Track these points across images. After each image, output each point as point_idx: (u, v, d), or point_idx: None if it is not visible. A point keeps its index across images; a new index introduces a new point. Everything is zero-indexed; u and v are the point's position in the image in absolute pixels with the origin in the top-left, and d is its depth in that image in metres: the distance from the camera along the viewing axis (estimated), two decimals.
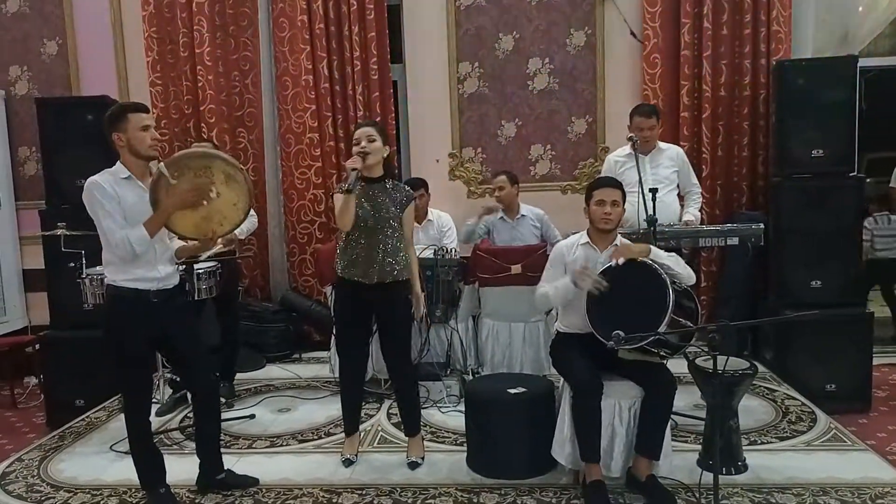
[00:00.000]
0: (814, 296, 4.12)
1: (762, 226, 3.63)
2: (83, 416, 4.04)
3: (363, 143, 2.99)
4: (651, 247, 2.89)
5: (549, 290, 2.99)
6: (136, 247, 2.66)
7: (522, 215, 4.54)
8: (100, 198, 2.66)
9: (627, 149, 3.97)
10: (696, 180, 4.12)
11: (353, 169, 2.91)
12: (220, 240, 3.00)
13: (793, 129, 4.20)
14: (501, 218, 4.54)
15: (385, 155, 3.08)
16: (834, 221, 4.11)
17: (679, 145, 4.81)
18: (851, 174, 4.22)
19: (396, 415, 3.57)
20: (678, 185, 4.02)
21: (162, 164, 2.73)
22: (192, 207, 2.74)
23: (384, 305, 3.12)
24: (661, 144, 3.98)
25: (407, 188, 3.21)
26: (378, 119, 5.03)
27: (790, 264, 4.20)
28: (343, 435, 3.38)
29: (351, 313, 3.19)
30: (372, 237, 3.04)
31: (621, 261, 2.79)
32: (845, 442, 3.36)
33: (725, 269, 4.88)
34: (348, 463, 3.27)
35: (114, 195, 2.68)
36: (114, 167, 2.77)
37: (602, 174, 4.03)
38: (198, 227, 2.79)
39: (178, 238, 2.96)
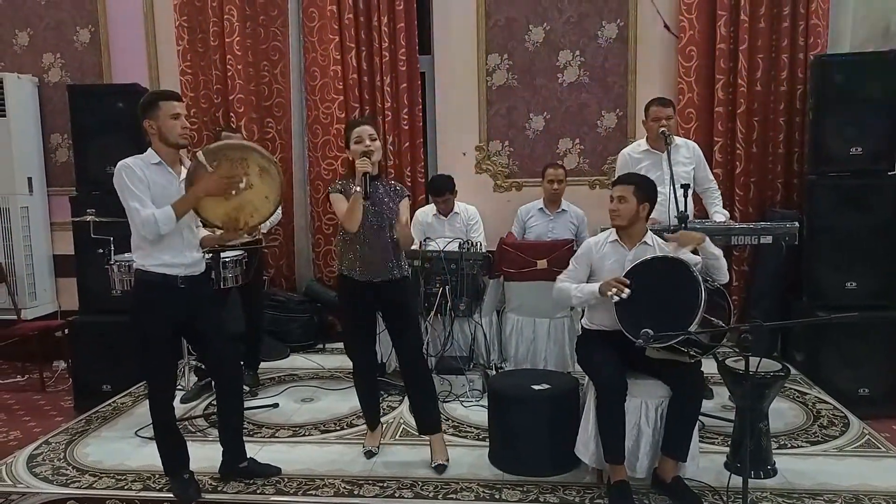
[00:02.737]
0: (848, 297, 4.02)
1: (797, 224, 3.53)
2: (110, 401, 4.09)
3: (367, 142, 2.98)
4: (706, 236, 2.85)
5: (572, 290, 2.95)
6: (162, 226, 2.67)
7: (563, 210, 4.50)
8: (128, 179, 2.69)
9: (643, 144, 3.89)
10: (712, 176, 4.01)
11: (365, 172, 2.90)
12: (246, 231, 3.01)
13: (830, 126, 4.09)
14: (541, 209, 4.50)
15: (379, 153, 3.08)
16: (871, 221, 4.01)
17: (713, 141, 4.76)
18: (890, 172, 4.09)
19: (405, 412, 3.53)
20: (693, 181, 3.87)
21: (201, 152, 2.79)
22: (222, 195, 2.79)
23: (389, 303, 3.11)
24: (678, 140, 3.87)
25: (399, 186, 3.20)
26: (405, 111, 5.01)
27: (824, 264, 4.10)
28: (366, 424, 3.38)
29: (356, 311, 3.16)
30: (372, 236, 3.02)
31: (688, 249, 2.79)
32: (879, 448, 3.27)
33: (757, 268, 4.77)
34: (370, 455, 3.26)
35: (143, 178, 2.70)
36: (145, 153, 2.80)
37: (617, 170, 3.98)
38: (228, 215, 2.85)
39: (206, 226, 2.98)
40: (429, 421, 3.18)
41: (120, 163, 2.73)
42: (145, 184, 2.70)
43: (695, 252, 2.89)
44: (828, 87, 4.10)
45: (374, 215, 3.01)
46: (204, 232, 3.02)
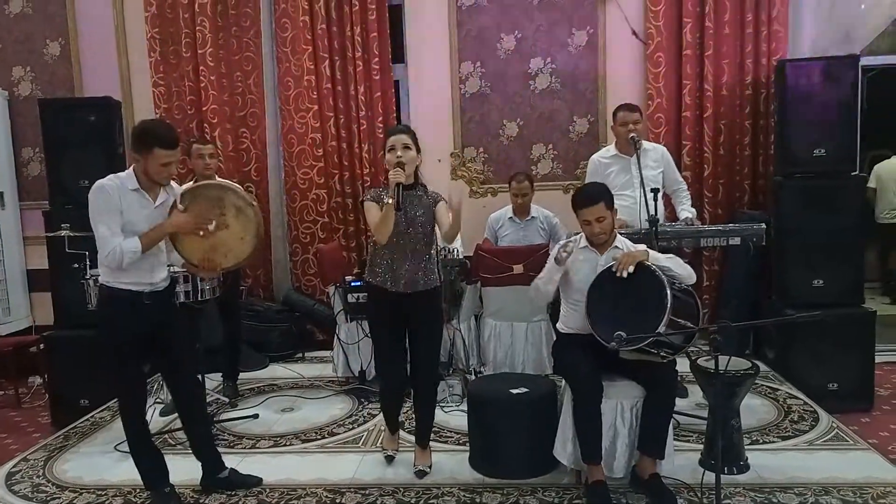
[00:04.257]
0: (815, 295, 4.12)
1: (764, 225, 3.63)
2: (88, 416, 4.07)
3: (399, 152, 2.92)
4: (648, 251, 2.89)
5: (539, 282, 3.03)
6: (126, 257, 2.69)
7: (532, 217, 4.55)
8: (102, 204, 2.69)
9: (612, 149, 3.96)
10: (680, 178, 4.10)
11: (398, 183, 2.82)
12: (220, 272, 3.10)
13: (794, 128, 4.19)
14: (511, 218, 4.55)
15: (417, 163, 3.02)
16: (836, 220, 4.10)
17: (682, 144, 4.86)
18: (853, 173, 4.22)
19: (403, 414, 3.56)
20: (663, 185, 3.94)
21: (179, 192, 2.89)
22: (191, 234, 2.85)
23: (415, 313, 3.09)
24: (646, 144, 3.96)
25: (435, 192, 3.11)
26: (380, 119, 5.05)
27: (792, 263, 4.20)
28: (353, 431, 3.51)
29: (388, 321, 3.13)
30: (403, 246, 2.99)
31: (631, 269, 2.75)
32: (847, 441, 3.37)
33: (727, 268, 4.89)
34: (390, 459, 3.29)
35: (117, 203, 2.70)
36: (125, 173, 2.79)
37: (587, 175, 4.03)
38: (205, 254, 2.92)
39: (187, 265, 3.02)
40: (425, 432, 3.23)
41: (97, 183, 2.72)
42: (118, 209, 2.70)
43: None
44: (791, 91, 4.20)
45: (406, 226, 2.97)
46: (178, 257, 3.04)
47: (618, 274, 2.77)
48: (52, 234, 3.93)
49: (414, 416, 3.32)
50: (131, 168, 2.79)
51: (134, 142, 2.76)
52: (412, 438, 3.35)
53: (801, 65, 4.26)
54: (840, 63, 4.17)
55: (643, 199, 3.49)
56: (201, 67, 5.05)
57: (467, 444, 3.30)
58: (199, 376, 3.55)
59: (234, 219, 2.89)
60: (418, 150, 3.00)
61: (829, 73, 4.13)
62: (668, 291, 2.65)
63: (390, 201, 2.79)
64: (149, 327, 2.83)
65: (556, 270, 2.95)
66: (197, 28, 5.03)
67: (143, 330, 2.82)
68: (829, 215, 4.10)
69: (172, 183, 2.93)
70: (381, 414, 3.42)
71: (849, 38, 4.58)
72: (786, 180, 4.25)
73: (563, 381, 3.04)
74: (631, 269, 2.75)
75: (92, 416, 4.06)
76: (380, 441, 3.48)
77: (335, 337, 4.29)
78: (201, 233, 2.84)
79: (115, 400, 4.12)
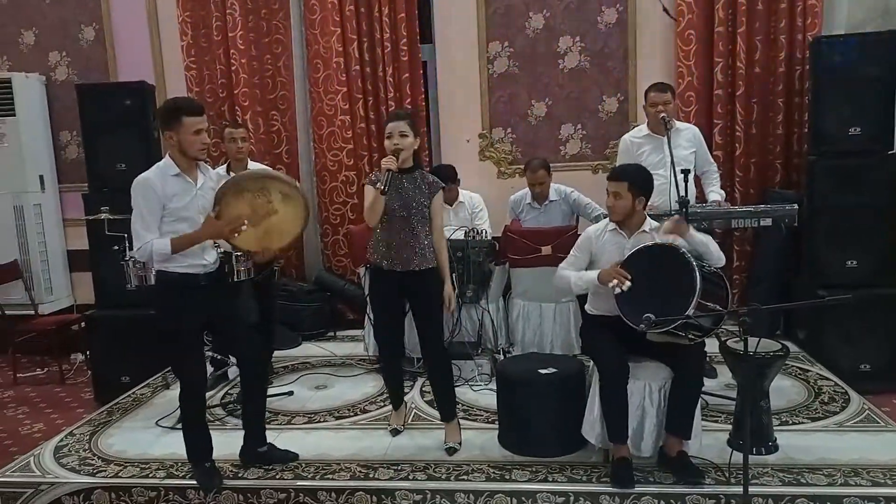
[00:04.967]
0: (848, 276, 4.09)
1: (796, 206, 3.60)
2: (129, 393, 4.21)
3: (396, 140, 3.03)
4: (690, 226, 2.92)
5: (572, 279, 3.04)
6: (155, 256, 2.77)
7: (551, 200, 4.52)
8: (142, 199, 2.76)
9: (644, 129, 3.95)
10: (712, 159, 4.09)
11: (388, 170, 2.95)
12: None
13: (829, 107, 4.13)
14: (530, 204, 4.54)
15: (415, 147, 3.11)
16: (870, 200, 4.06)
17: (713, 123, 4.80)
18: (890, 152, 4.14)
19: (429, 392, 3.65)
20: (694, 166, 3.93)
21: (214, 175, 3.00)
22: (228, 236, 2.92)
23: (415, 292, 3.19)
24: (679, 124, 3.94)
25: (435, 178, 3.24)
26: (408, 100, 5.07)
27: (824, 244, 4.17)
28: (385, 409, 3.60)
29: (384, 299, 3.27)
30: (401, 227, 3.11)
31: (680, 240, 2.83)
32: (878, 423, 3.36)
33: (759, 248, 4.84)
34: (395, 433, 3.41)
35: (160, 196, 2.77)
36: (163, 162, 2.86)
37: (619, 155, 4.05)
38: (259, 241, 3.02)
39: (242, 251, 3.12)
40: (448, 408, 3.31)
41: (140, 177, 2.79)
42: (160, 203, 2.76)
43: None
44: (825, 69, 4.13)
45: (401, 208, 3.08)
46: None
47: (669, 243, 2.83)
48: (91, 218, 4.05)
49: (434, 397, 3.42)
50: (167, 155, 2.87)
51: (162, 121, 2.84)
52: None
53: (836, 41, 4.18)
54: (877, 39, 4.09)
55: (674, 179, 3.48)
56: (232, 51, 5.10)
57: (496, 423, 3.36)
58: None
59: (281, 203, 3.01)
60: (416, 135, 3.10)
61: (866, 49, 4.06)
62: (698, 274, 2.66)
63: (379, 186, 2.94)
64: (207, 311, 2.94)
65: (595, 286, 2.96)
66: (227, 11, 5.08)
67: (202, 314, 2.93)
68: (863, 195, 4.06)
69: (208, 168, 3.01)
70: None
71: (887, 13, 4.46)
72: (819, 159, 4.19)
73: (592, 362, 3.08)
74: (679, 239, 2.82)
75: (133, 393, 4.20)
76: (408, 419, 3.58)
77: (366, 316, 4.36)
78: (236, 234, 2.90)
79: (155, 377, 4.34)
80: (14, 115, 5.22)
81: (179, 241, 2.80)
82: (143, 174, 2.81)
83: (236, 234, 2.90)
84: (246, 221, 2.90)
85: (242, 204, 2.94)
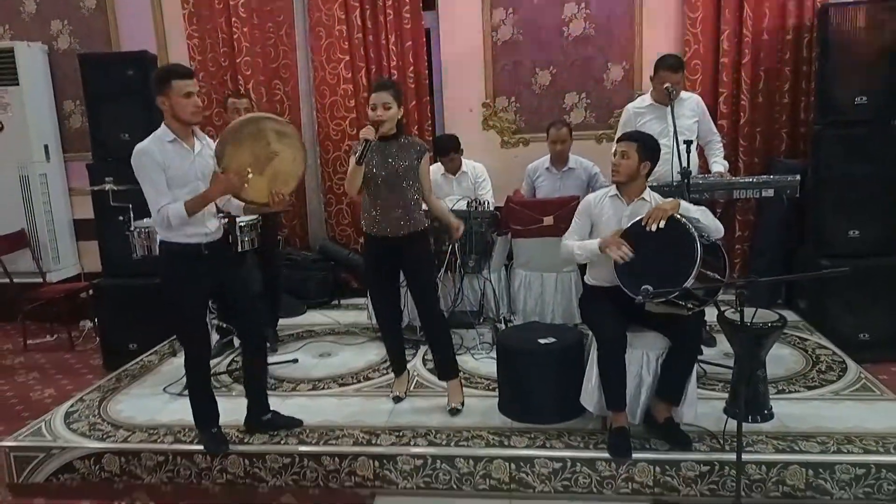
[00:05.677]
0: (851, 246, 4.10)
1: (798, 177, 3.59)
2: (137, 360, 4.28)
3: (379, 112, 3.07)
4: (680, 201, 2.91)
5: (575, 248, 3.06)
6: (173, 220, 2.79)
7: (570, 168, 4.49)
8: (146, 166, 2.78)
9: (648, 98, 3.92)
10: (715, 129, 4.05)
11: (366, 140, 3.01)
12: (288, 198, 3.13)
13: (836, 75, 4.09)
14: (548, 168, 4.52)
15: (398, 118, 3.15)
16: (875, 170, 4.04)
17: (718, 92, 4.76)
18: (895, 122, 4.11)
19: (432, 360, 3.71)
20: (697, 135, 3.92)
21: (213, 143, 2.94)
22: (239, 189, 2.89)
23: (408, 256, 3.25)
24: (682, 94, 3.90)
25: (420, 142, 3.29)
26: (411, 69, 5.03)
27: (828, 214, 4.17)
28: (388, 377, 3.67)
29: (378, 265, 3.32)
30: (390, 193, 3.16)
31: (662, 224, 2.78)
32: (874, 392, 3.39)
33: (762, 218, 4.83)
34: (397, 400, 3.48)
35: (161, 162, 2.79)
36: (159, 130, 2.87)
37: (620, 125, 4.02)
38: (270, 189, 2.98)
39: (255, 207, 3.07)
40: (444, 368, 3.39)
41: (136, 147, 2.81)
42: (162, 167, 2.79)
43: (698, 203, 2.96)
44: (833, 36, 4.07)
45: (390, 174, 3.14)
46: (238, 203, 3.10)
47: (647, 228, 2.79)
48: (96, 188, 4.08)
49: (433, 359, 3.50)
50: (163, 123, 2.88)
51: (154, 88, 2.84)
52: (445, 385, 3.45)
53: (845, 8, 4.11)
54: (886, 6, 4.01)
55: (676, 150, 3.47)
56: (233, 19, 5.06)
57: (496, 391, 3.42)
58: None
59: (279, 144, 2.97)
60: (399, 106, 3.14)
61: (875, 17, 4.00)
62: (699, 245, 2.68)
63: (356, 157, 3.03)
64: (211, 280, 2.98)
65: (597, 256, 2.97)
66: None
67: (206, 284, 2.97)
68: (868, 165, 4.05)
69: (205, 136, 3.02)
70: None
71: None
72: (825, 129, 4.17)
73: (591, 332, 3.11)
74: (662, 223, 2.78)
75: (141, 360, 4.28)
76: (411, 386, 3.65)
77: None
78: (245, 184, 2.90)
79: (162, 344, 4.40)
80: (17, 84, 5.22)
81: (193, 202, 2.82)
82: (139, 144, 2.83)
83: (246, 185, 2.90)
84: (250, 168, 2.90)
85: (244, 153, 2.91)
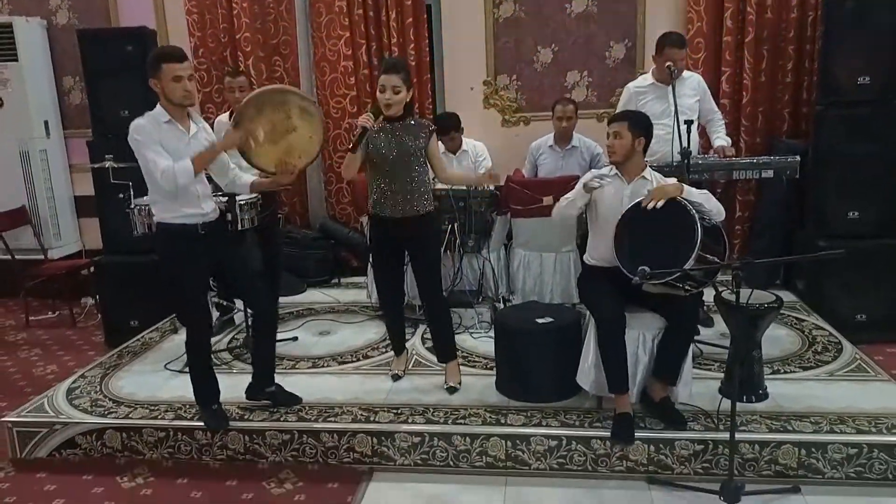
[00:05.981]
0: (850, 227, 4.09)
1: (798, 158, 3.58)
2: (138, 337, 4.31)
3: (388, 95, 3.04)
4: (683, 185, 2.90)
5: (563, 202, 3.11)
6: (180, 177, 2.79)
7: (574, 146, 4.47)
8: (143, 137, 2.79)
9: (649, 78, 3.90)
10: (716, 107, 4.03)
11: (363, 127, 3.01)
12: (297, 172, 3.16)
13: (839, 55, 4.04)
14: (551, 146, 4.50)
15: (407, 101, 3.13)
16: (876, 151, 4.02)
17: (721, 70, 4.72)
18: None
19: (430, 339, 3.74)
20: (698, 115, 3.90)
21: (206, 125, 3.01)
22: (246, 147, 2.96)
23: (413, 238, 3.25)
24: (684, 73, 3.87)
25: (427, 122, 3.27)
26: (412, 46, 5.00)
27: (829, 194, 4.15)
28: (386, 355, 3.71)
29: (384, 246, 3.33)
30: (397, 174, 3.14)
31: (660, 204, 2.78)
32: (869, 372, 3.41)
33: (762, 199, 4.83)
34: (396, 378, 3.51)
35: (157, 136, 2.81)
36: (155, 109, 2.88)
37: (620, 104, 4.00)
38: (279, 159, 3.01)
39: (262, 173, 3.12)
40: (444, 350, 3.42)
41: (132, 123, 2.82)
42: (158, 140, 2.81)
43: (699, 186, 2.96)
44: (837, 14, 4.03)
45: (396, 156, 3.12)
46: (249, 177, 3.17)
47: (646, 206, 2.79)
48: (97, 166, 4.08)
49: (433, 340, 3.53)
50: (158, 104, 2.89)
51: (147, 70, 2.84)
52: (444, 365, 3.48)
53: None
54: None
55: (677, 129, 3.46)
56: None
57: (494, 370, 3.45)
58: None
59: (300, 119, 3.01)
60: (409, 89, 3.11)
61: None
62: (699, 227, 2.68)
63: (352, 145, 3.05)
64: (210, 259, 3.00)
65: (582, 197, 3.01)
66: None
67: (205, 263, 3.00)
68: (870, 145, 4.03)
69: (200, 118, 3.03)
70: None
71: None
72: (826, 109, 4.14)
73: (588, 312, 3.13)
74: (661, 203, 2.78)
75: (142, 337, 4.31)
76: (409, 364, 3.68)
77: (369, 265, 4.42)
78: (252, 144, 2.95)
79: (163, 321, 4.43)
80: (16, 59, 5.20)
81: (200, 157, 2.84)
82: (136, 120, 2.84)
83: (252, 144, 2.94)
84: (263, 133, 2.95)
85: (263, 120, 2.97)
